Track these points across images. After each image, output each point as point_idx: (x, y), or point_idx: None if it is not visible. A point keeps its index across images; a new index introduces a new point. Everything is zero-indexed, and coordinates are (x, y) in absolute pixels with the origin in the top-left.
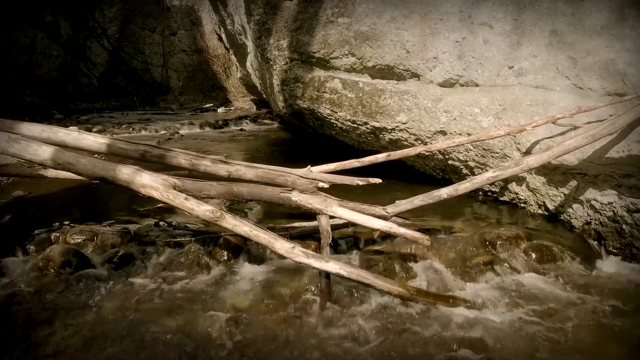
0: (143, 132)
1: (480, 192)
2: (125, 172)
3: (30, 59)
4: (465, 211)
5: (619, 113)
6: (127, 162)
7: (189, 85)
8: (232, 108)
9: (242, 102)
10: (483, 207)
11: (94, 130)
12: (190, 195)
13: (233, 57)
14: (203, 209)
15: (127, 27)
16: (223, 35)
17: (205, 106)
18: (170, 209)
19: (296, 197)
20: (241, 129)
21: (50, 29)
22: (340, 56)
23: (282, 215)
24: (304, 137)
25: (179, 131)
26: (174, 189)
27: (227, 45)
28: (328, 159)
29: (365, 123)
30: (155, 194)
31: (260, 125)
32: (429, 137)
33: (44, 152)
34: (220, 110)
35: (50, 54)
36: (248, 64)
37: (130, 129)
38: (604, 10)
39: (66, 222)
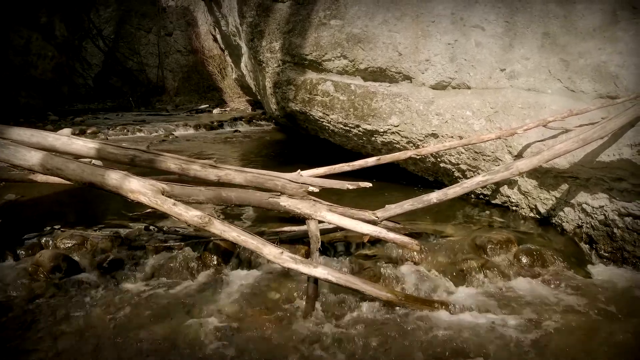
0: (138, 134)
1: (472, 195)
2: (114, 178)
3: (25, 60)
4: (457, 214)
5: (609, 116)
6: (117, 166)
7: (184, 86)
8: (228, 109)
9: (238, 103)
10: (475, 210)
11: (88, 131)
12: (179, 201)
13: (228, 58)
14: (191, 215)
15: (122, 28)
16: (218, 36)
17: (200, 107)
18: (161, 213)
19: (285, 202)
20: (236, 131)
21: (45, 30)
22: (333, 58)
23: (272, 219)
24: (298, 139)
25: (174, 132)
26: (163, 194)
27: (222, 46)
28: (322, 160)
29: (357, 126)
30: (143, 200)
31: (255, 126)
32: (420, 140)
33: (33, 158)
34: (216, 111)
35: (45, 55)
36: (242, 65)
37: (125, 131)
38: (597, 12)
39: (57, 227)
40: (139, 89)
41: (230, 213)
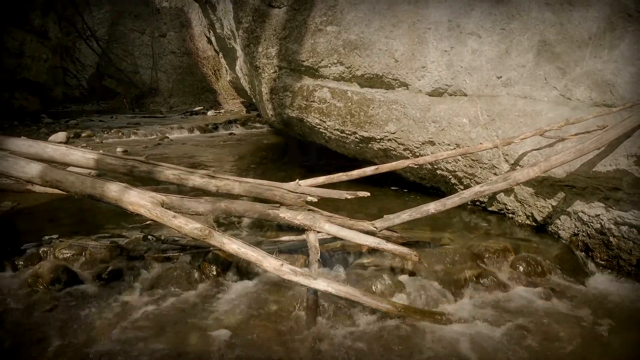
0: (132, 137)
1: (469, 202)
2: (114, 190)
3: (19, 62)
4: (454, 221)
5: (606, 127)
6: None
7: (178, 88)
8: (222, 111)
9: (232, 105)
10: (471, 217)
11: (83, 135)
12: (178, 212)
13: (222, 60)
14: (191, 227)
15: (116, 29)
16: (212, 38)
17: (195, 109)
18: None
19: (284, 214)
20: (231, 133)
21: (39, 31)
22: (329, 65)
23: (270, 228)
24: (294, 142)
25: (168, 135)
26: (162, 206)
27: (216, 48)
28: (319, 163)
29: (354, 132)
30: (143, 212)
31: (250, 128)
32: (417, 147)
33: (32, 170)
34: (210, 113)
35: (39, 57)
36: (237, 68)
37: (120, 134)
38: (592, 20)
39: (54, 236)
40: (133, 90)
41: (224, 222)
